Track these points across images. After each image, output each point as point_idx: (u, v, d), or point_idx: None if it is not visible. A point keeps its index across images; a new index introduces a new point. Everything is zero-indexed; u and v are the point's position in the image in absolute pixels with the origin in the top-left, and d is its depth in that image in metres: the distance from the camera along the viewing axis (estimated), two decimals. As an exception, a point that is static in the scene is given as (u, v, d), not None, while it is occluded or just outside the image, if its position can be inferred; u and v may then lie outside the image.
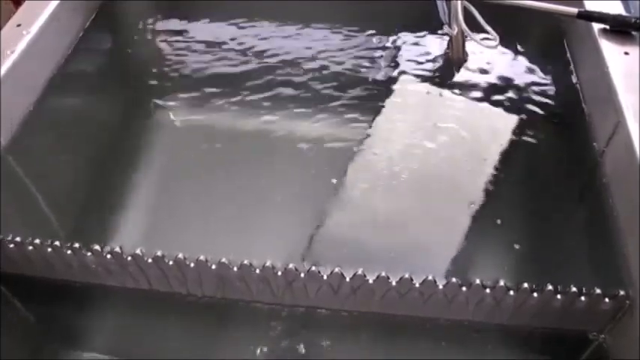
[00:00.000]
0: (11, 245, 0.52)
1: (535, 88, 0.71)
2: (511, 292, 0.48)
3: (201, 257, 0.50)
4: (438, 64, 0.75)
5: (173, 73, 0.76)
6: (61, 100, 0.70)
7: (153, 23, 0.83)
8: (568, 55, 0.73)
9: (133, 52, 0.81)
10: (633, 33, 0.64)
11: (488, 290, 0.48)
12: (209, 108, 0.71)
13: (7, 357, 0.51)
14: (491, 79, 0.73)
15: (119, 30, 0.83)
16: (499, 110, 0.70)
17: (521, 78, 0.73)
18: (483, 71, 0.74)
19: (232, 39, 0.80)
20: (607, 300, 0.48)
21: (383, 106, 0.70)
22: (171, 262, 0.51)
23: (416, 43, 0.78)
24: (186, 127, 0.70)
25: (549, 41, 0.76)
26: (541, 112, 0.69)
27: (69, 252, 0.52)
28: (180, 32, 0.81)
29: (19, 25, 0.67)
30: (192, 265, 0.50)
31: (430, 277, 0.48)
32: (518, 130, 0.67)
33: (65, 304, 0.56)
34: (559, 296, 0.48)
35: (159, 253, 0.50)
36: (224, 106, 0.71)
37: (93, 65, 0.77)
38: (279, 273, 0.50)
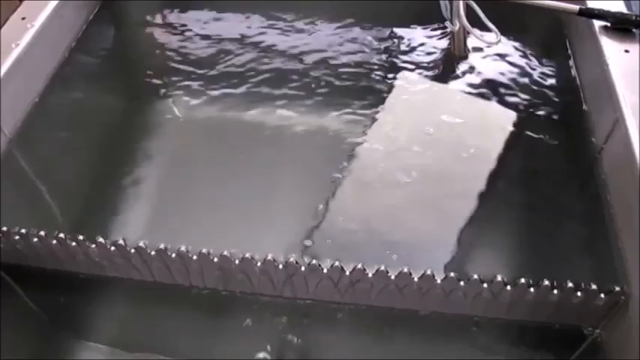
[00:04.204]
0: (16, 237, 0.53)
1: (535, 84, 0.72)
2: (508, 287, 0.49)
3: (204, 250, 0.51)
4: (439, 60, 0.75)
5: (176, 66, 0.76)
6: (65, 92, 0.70)
7: (156, 17, 0.83)
8: (569, 51, 0.73)
9: (136, 46, 0.82)
10: (634, 30, 0.64)
11: (485, 285, 0.49)
12: (212, 102, 0.72)
13: (11, 347, 0.52)
14: (492, 75, 0.73)
15: (123, 23, 0.83)
16: (499, 106, 0.70)
17: (521, 74, 0.73)
18: (484, 67, 0.74)
19: (235, 33, 0.80)
20: (602, 295, 0.48)
21: (384, 102, 0.71)
22: (174, 255, 0.51)
23: (418, 39, 0.78)
24: (188, 120, 0.70)
25: (550, 38, 0.76)
26: (541, 108, 0.69)
27: (73, 244, 0.52)
28: (183, 26, 0.81)
29: (23, 19, 0.67)
30: (194, 257, 0.51)
31: (429, 272, 0.49)
32: (518, 126, 0.68)
33: (69, 295, 0.57)
34: (555, 291, 0.48)
35: (162, 246, 0.51)
36: (227, 100, 0.72)
37: (97, 58, 0.77)
38: (280, 266, 0.51)
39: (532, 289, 0.49)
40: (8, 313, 0.54)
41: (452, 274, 0.49)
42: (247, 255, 0.51)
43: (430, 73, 0.74)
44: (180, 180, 0.64)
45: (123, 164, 0.66)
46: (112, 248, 0.52)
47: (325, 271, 0.50)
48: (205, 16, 0.83)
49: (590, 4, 0.67)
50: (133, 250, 0.52)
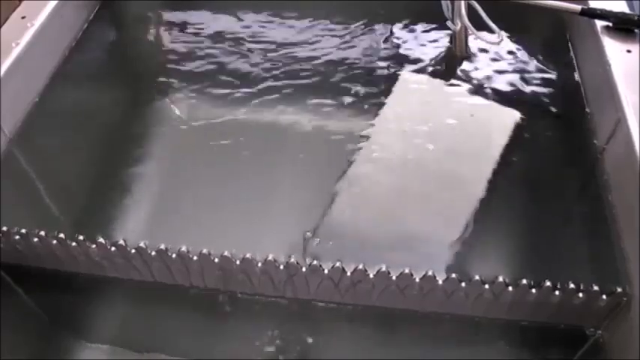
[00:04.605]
0: (16, 237, 0.53)
1: (537, 84, 0.71)
2: (510, 288, 0.49)
3: (204, 250, 0.51)
4: (441, 60, 0.75)
5: (177, 66, 0.76)
6: (65, 92, 0.70)
7: (156, 16, 0.83)
8: (571, 52, 0.73)
9: (136, 45, 0.82)
10: (636, 31, 0.64)
11: (487, 286, 0.49)
12: (212, 101, 0.72)
13: (11, 347, 0.52)
14: (493, 75, 0.73)
15: (123, 23, 0.83)
16: (500, 106, 0.70)
17: (523, 74, 0.73)
18: (485, 67, 0.74)
19: (236, 32, 0.80)
20: (604, 296, 0.48)
21: (385, 101, 0.70)
22: (174, 255, 0.51)
23: (419, 39, 0.78)
24: (189, 120, 0.70)
25: (552, 38, 0.76)
26: (542, 108, 0.69)
27: (74, 244, 0.52)
28: (183, 25, 0.81)
29: (23, 18, 0.67)
30: (195, 258, 0.51)
31: (430, 273, 0.49)
32: (520, 126, 0.67)
33: (70, 295, 0.57)
34: (557, 292, 0.48)
35: (162, 247, 0.51)
36: (227, 99, 0.72)
37: (97, 58, 0.77)
38: (281, 267, 0.51)
39: (534, 290, 0.48)
40: (8, 313, 0.54)
41: (453, 275, 0.49)
42: (248, 255, 0.50)
43: (432, 72, 0.73)
44: (181, 180, 0.64)
45: (123, 164, 0.65)
46: (113, 248, 0.52)
47: (326, 271, 0.50)
48: (205, 15, 0.83)
49: (592, 4, 0.67)
50: (133, 251, 0.52)
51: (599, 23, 0.65)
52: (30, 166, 0.63)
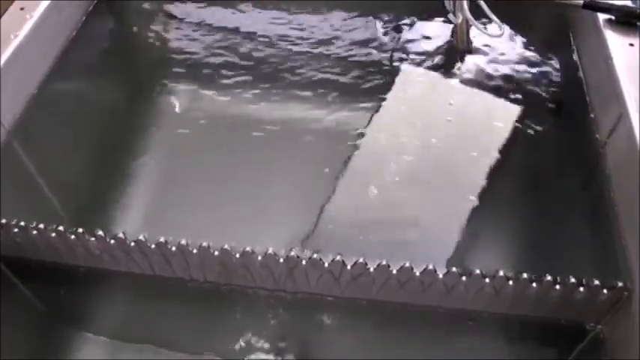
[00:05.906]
0: (16, 229, 0.53)
1: (539, 78, 0.71)
2: (510, 282, 0.49)
3: (204, 244, 0.51)
4: (442, 54, 0.75)
5: (176, 60, 0.75)
6: (64, 85, 0.70)
7: (155, 10, 0.82)
8: (573, 45, 0.72)
9: (135, 39, 0.81)
10: (638, 24, 0.64)
11: (487, 280, 0.49)
12: (211, 94, 0.71)
13: (10, 340, 0.52)
14: (495, 68, 0.72)
15: (122, 15, 0.82)
16: (502, 99, 0.70)
17: (525, 68, 0.72)
18: (487, 60, 0.73)
19: (236, 26, 0.79)
20: (605, 291, 0.48)
21: (386, 95, 0.70)
22: (174, 248, 0.51)
23: (420, 32, 0.77)
24: (188, 113, 0.70)
25: (554, 31, 0.76)
26: (544, 102, 0.69)
27: (73, 237, 0.52)
28: (182, 18, 0.81)
29: (22, 9, 0.67)
30: (195, 251, 0.51)
31: (430, 267, 0.49)
32: (521, 120, 0.67)
33: (69, 288, 0.57)
34: (558, 287, 0.48)
35: (162, 239, 0.51)
36: (226, 94, 0.71)
37: (96, 51, 0.77)
38: (281, 260, 0.50)
39: (534, 285, 0.48)
40: (7, 306, 0.54)
41: (454, 269, 0.49)
42: (248, 249, 0.50)
43: (433, 66, 0.73)
44: (180, 174, 0.64)
45: (122, 157, 0.65)
46: (112, 241, 0.52)
47: (326, 265, 0.50)
48: (205, 8, 0.82)
49: (596, -2, 0.67)
50: (132, 244, 0.51)
51: (602, 17, 0.65)
52: (29, 158, 0.63)
